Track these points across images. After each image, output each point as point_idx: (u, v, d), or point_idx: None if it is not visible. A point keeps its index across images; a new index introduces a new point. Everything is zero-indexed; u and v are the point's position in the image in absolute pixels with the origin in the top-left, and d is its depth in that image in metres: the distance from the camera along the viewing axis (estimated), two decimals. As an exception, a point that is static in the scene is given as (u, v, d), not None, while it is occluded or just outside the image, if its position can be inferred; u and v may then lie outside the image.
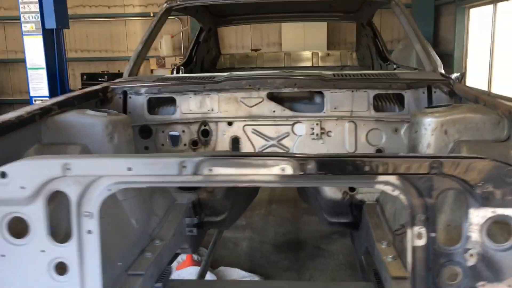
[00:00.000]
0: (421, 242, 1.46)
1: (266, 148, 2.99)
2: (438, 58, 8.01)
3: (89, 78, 9.31)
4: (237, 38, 11.17)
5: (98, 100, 2.91)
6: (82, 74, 10.14)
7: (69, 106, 2.47)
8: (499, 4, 7.24)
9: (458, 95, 2.71)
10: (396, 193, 1.46)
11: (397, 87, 2.84)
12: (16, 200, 1.54)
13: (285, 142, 2.97)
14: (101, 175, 1.52)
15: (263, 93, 2.93)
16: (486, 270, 1.44)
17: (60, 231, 1.64)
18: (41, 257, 1.57)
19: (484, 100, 2.32)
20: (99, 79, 9.24)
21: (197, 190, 3.00)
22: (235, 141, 2.99)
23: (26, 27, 4.94)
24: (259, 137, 2.97)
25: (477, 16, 8.29)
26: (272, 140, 2.97)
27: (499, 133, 2.09)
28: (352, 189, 2.91)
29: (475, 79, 8.22)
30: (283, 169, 1.46)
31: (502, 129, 2.09)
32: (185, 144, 3.01)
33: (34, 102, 5.18)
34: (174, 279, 2.55)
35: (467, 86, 2.86)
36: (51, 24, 5.00)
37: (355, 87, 2.86)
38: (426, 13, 10.10)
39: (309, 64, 6.62)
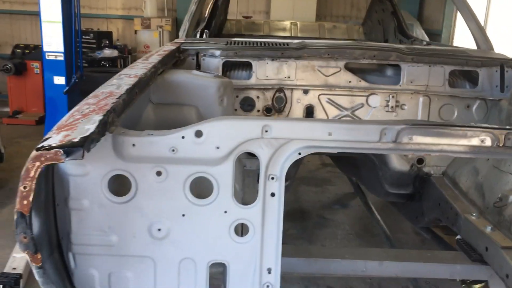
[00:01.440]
0: None
1: (340, 118, 3.01)
2: (426, 36, 8.09)
3: (73, 35, 8.83)
4: (222, 4, 10.92)
5: (175, 62, 2.82)
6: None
7: (168, 67, 2.39)
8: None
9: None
10: None
11: (473, 64, 2.93)
12: (207, 160, 1.50)
13: (359, 113, 3.01)
14: (295, 138, 1.50)
15: (341, 63, 2.94)
16: None
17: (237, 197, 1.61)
18: (223, 218, 1.55)
19: None
20: (83, 36, 8.79)
21: None
22: (309, 110, 2.99)
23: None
24: (333, 107, 2.99)
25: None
26: (346, 110, 3.00)
27: None
28: (420, 161, 3.00)
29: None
30: (482, 141, 1.50)
31: None
32: (258, 110, 2.98)
33: (47, 57, 4.92)
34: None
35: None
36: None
37: (432, 62, 2.92)
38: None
39: (316, 35, 6.62)
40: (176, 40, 3.14)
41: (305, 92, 2.97)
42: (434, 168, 3.00)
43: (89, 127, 1.32)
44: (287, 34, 6.63)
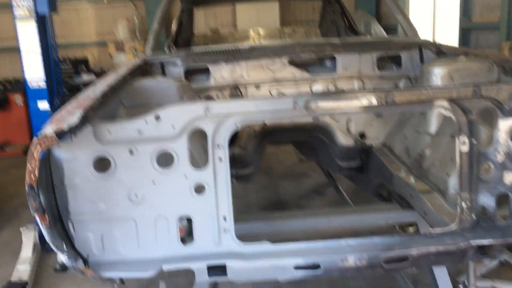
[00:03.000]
0: (466, 147, 2.06)
1: None
2: (384, 32, 8.71)
3: (50, 65, 9.27)
4: (190, 21, 11.46)
5: (141, 72, 3.30)
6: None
7: (131, 77, 2.87)
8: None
9: (445, 52, 3.36)
10: (447, 113, 2.05)
11: (395, 49, 3.46)
12: (166, 137, 1.98)
13: None
14: (232, 113, 1.99)
15: (285, 60, 3.44)
16: (510, 164, 2.07)
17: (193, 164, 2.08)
18: (184, 181, 2.02)
19: (473, 53, 2.98)
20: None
21: (231, 146, 3.48)
22: None
23: (18, 12, 5.10)
24: None
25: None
26: None
27: (492, 77, 2.74)
28: (362, 136, 3.51)
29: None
30: (369, 101, 2.00)
31: (494, 73, 2.75)
32: None
33: (30, 86, 5.35)
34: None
35: (450, 46, 3.53)
36: (43, 8, 5.19)
37: (362, 51, 3.44)
38: (368, -9, 10.95)
39: (279, 40, 7.14)
40: (143, 56, 3.63)
41: (257, 87, 3.47)
42: (374, 141, 3.51)
43: (73, 119, 1.81)
44: (251, 42, 7.13)
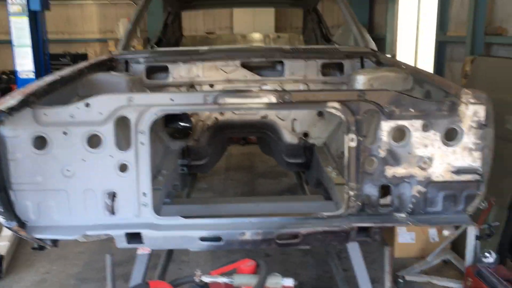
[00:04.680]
0: (353, 144, 2.40)
1: None
2: (372, 41, 9.09)
3: (51, 58, 9.70)
4: (190, 23, 11.87)
5: (106, 68, 3.66)
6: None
7: (92, 70, 3.24)
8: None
9: (382, 63, 3.69)
10: (338, 113, 2.39)
11: (338, 57, 3.79)
12: (95, 122, 2.34)
13: None
14: (152, 104, 2.34)
15: (237, 62, 3.79)
16: (391, 159, 2.40)
17: (120, 145, 2.43)
18: (110, 160, 2.38)
19: (397, 65, 3.32)
20: (61, 59, 9.71)
21: (186, 138, 3.84)
22: None
23: (13, 8, 5.53)
24: None
25: (406, 4, 9.48)
26: None
27: (407, 85, 3.07)
28: (305, 135, 3.85)
29: (404, 59, 9.43)
30: (269, 99, 2.34)
31: (409, 82, 3.08)
32: None
33: (20, 76, 5.77)
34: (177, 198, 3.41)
35: (388, 56, 3.86)
36: (35, 5, 5.61)
37: (308, 57, 3.78)
38: (362, 1, 11.25)
39: (262, 45, 7.48)
40: (112, 52, 3.99)
41: (211, 86, 3.82)
42: (317, 140, 3.85)
43: (12, 101, 2.18)
44: (237, 45, 7.47)
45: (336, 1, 4.52)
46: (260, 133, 4.03)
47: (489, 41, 5.64)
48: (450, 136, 2.39)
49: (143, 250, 2.86)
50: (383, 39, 10.10)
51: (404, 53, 9.52)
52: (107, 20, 11.96)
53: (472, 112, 2.34)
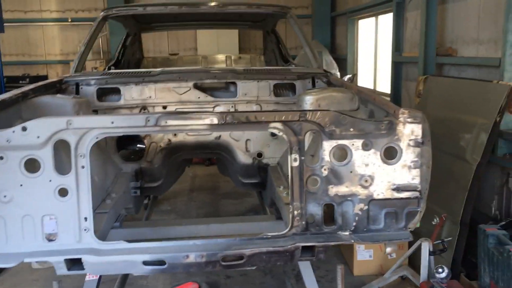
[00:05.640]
0: (296, 163, 2.42)
1: None
2: (334, 61, 9.30)
3: (10, 81, 9.55)
4: (154, 44, 11.86)
5: (55, 90, 3.61)
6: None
7: (38, 93, 3.19)
8: (380, 17, 8.69)
9: (333, 83, 3.76)
10: (280, 133, 2.41)
11: (290, 78, 3.85)
12: (33, 146, 2.29)
13: None
14: (92, 127, 2.32)
15: (190, 84, 3.80)
16: (333, 178, 2.44)
17: (59, 169, 2.38)
18: (49, 185, 2.33)
19: (345, 85, 3.39)
20: (20, 81, 9.53)
21: (139, 160, 3.80)
22: None
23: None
24: None
25: (365, 26, 9.74)
26: None
27: (353, 105, 3.14)
28: (259, 155, 3.87)
29: (364, 79, 9.65)
30: (211, 120, 2.35)
31: (355, 102, 3.15)
32: None
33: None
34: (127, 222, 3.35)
35: (337, 77, 3.96)
36: (-12, 28, 5.50)
37: (260, 78, 3.82)
38: (323, 23, 11.49)
39: (223, 66, 7.55)
40: (63, 75, 3.95)
41: (164, 107, 3.81)
42: (270, 159, 3.87)
43: None
44: (198, 66, 7.51)
45: (290, 23, 4.60)
46: (214, 154, 4.03)
47: (441, 61, 5.82)
48: (390, 155, 2.44)
49: (90, 276, 2.79)
50: (344, 59, 10.30)
51: (364, 73, 9.74)
52: (68, 42, 11.83)
53: (409, 130, 2.40)
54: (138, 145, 3.98)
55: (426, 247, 3.84)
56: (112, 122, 2.31)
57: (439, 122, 4.92)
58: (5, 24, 11.29)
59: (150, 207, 5.35)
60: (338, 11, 11.10)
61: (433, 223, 4.33)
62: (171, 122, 2.34)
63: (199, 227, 3.09)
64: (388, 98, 7.70)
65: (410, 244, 4.16)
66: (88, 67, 10.69)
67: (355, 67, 10.13)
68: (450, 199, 4.41)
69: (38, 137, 2.28)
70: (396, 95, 7.34)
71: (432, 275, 3.78)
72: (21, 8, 11.62)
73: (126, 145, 3.97)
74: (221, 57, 7.75)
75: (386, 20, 8.22)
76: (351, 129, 2.39)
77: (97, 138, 2.34)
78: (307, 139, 2.51)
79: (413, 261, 4.40)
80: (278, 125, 2.39)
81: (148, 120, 2.32)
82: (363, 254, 4.58)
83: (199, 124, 2.35)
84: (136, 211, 3.85)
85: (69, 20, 11.65)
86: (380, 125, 2.39)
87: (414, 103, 6.01)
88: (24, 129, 2.28)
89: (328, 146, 2.40)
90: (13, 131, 2.27)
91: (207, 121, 2.35)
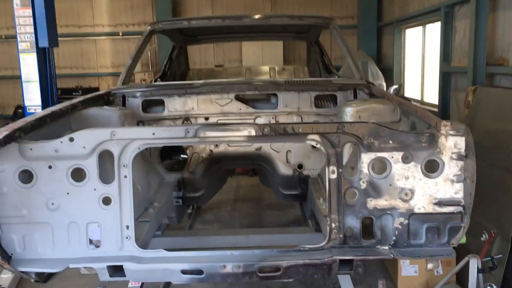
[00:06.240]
0: (334, 176, 2.40)
1: None
2: (379, 72, 9.18)
3: (64, 93, 10.01)
4: (201, 55, 12.11)
5: (103, 102, 3.75)
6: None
7: (88, 105, 3.32)
8: (427, 26, 8.51)
9: (375, 94, 3.71)
10: (318, 146, 2.40)
11: (331, 89, 3.83)
12: (79, 156, 2.39)
13: None
14: (134, 138, 2.39)
15: (232, 95, 3.85)
16: (372, 191, 2.40)
17: (103, 179, 2.47)
18: (94, 193, 2.42)
19: (386, 97, 3.34)
20: (74, 93, 9.96)
21: (182, 170, 3.88)
22: None
23: (22, 45, 5.73)
24: None
25: (412, 36, 9.56)
26: None
27: (395, 117, 3.08)
28: (300, 166, 3.86)
29: (411, 89, 9.45)
30: (249, 132, 2.37)
31: (396, 114, 3.09)
32: None
33: (28, 111, 5.92)
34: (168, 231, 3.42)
35: (380, 89, 3.90)
36: (44, 43, 5.80)
37: (301, 90, 3.82)
38: (369, 33, 11.37)
39: (267, 77, 7.59)
40: (111, 87, 4.10)
41: (206, 119, 3.88)
42: (311, 171, 3.85)
43: None
44: (242, 77, 7.60)
45: (333, 34, 4.58)
46: (255, 164, 4.05)
47: (491, 71, 5.62)
48: (431, 168, 2.38)
49: (133, 283, 2.86)
50: (391, 69, 10.14)
51: (411, 83, 9.54)
52: (119, 55, 12.27)
53: (452, 143, 2.33)
54: (181, 156, 4.06)
55: (474, 264, 3.70)
56: (153, 134, 2.38)
57: (489, 134, 4.75)
58: (60, 38, 11.87)
59: (193, 216, 5.43)
60: (385, 21, 10.95)
61: (482, 239, 4.16)
62: (209, 133, 2.38)
63: (238, 238, 3.11)
64: (436, 109, 7.51)
65: (458, 261, 4.02)
66: (138, 79, 11.04)
67: (402, 77, 9.94)
68: (501, 214, 4.23)
69: (84, 147, 2.38)
70: (444, 106, 7.15)
71: (482, 293, 3.64)
72: (76, 23, 12.19)
73: (170, 155, 4.05)
74: (265, 68, 7.80)
75: (434, 29, 8.03)
76: (390, 142, 2.35)
77: (139, 148, 2.41)
78: (346, 151, 2.48)
79: (462, 279, 4.24)
80: (316, 137, 2.39)
81: (188, 132, 2.37)
82: (408, 270, 4.46)
83: (237, 136, 2.38)
84: (178, 220, 3.92)
85: (120, 34, 12.10)
86: (421, 137, 2.34)
87: (463, 114, 5.83)
88: (71, 139, 2.38)
89: (366, 158, 2.37)
90: (61, 142, 2.38)
91: (245, 132, 2.37)
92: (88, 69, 12.37)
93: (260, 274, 2.39)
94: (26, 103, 5.86)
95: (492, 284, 3.62)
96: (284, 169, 3.85)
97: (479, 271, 3.68)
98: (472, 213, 4.74)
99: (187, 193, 3.93)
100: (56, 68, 11.91)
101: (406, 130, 2.81)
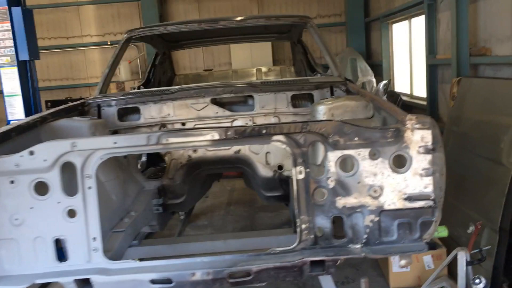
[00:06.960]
0: (301, 176, 2.36)
1: None
2: (369, 68, 9.17)
3: (54, 105, 9.94)
4: (190, 60, 12.08)
5: (78, 112, 3.72)
6: (46, 102, 10.79)
7: (58, 116, 3.28)
8: (413, 20, 8.47)
9: (351, 91, 3.67)
10: (283, 146, 2.36)
11: (308, 88, 3.78)
12: (41, 169, 2.35)
13: None
14: (96, 148, 2.35)
15: (208, 99, 3.81)
16: (340, 189, 2.35)
17: (67, 191, 2.43)
18: (58, 206, 2.37)
19: (360, 93, 3.30)
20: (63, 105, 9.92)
21: (161, 177, 3.83)
22: None
23: (2, 60, 5.69)
24: None
25: (399, 30, 9.51)
26: None
27: (368, 113, 3.04)
28: (280, 167, 3.81)
29: (401, 84, 9.40)
30: (213, 136, 2.33)
31: (369, 110, 3.05)
32: None
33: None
34: (146, 239, 3.37)
35: (356, 85, 3.86)
36: (24, 56, 5.76)
37: (277, 90, 3.78)
38: (358, 30, 11.33)
39: (254, 79, 7.55)
40: (86, 97, 4.06)
41: (183, 124, 3.84)
42: (292, 172, 3.79)
43: None
44: (228, 80, 7.56)
45: (310, 33, 4.53)
46: (235, 168, 4.01)
47: (475, 62, 5.58)
48: (400, 163, 2.34)
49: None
50: (380, 65, 10.10)
51: (401, 78, 9.49)
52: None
53: (418, 137, 2.29)
54: (160, 163, 4.02)
55: (462, 256, 3.65)
56: (115, 143, 2.34)
57: (476, 125, 4.70)
58: (49, 50, 11.91)
59: (184, 222, 5.39)
60: (372, 16, 10.92)
61: (468, 231, 4.11)
62: (172, 139, 2.34)
63: (216, 243, 3.07)
64: (425, 103, 7.46)
65: (449, 254, 3.98)
66: (127, 88, 11.01)
67: (391, 72, 9.90)
68: (489, 206, 4.18)
69: (45, 160, 2.34)
70: (432, 99, 7.10)
71: (470, 286, 3.58)
72: (63, 35, 12.17)
73: (156, 163, 4.01)
74: (251, 70, 7.77)
75: (419, 23, 8.00)
76: (356, 138, 2.30)
77: (101, 158, 2.37)
78: (317, 150, 2.43)
79: (453, 271, 4.19)
80: (281, 137, 2.35)
81: (150, 139, 2.33)
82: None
83: (200, 141, 2.34)
84: (160, 228, 3.87)
85: (109, 43, 12.07)
86: (386, 133, 2.30)
87: (448, 106, 5.79)
88: (31, 153, 2.34)
89: (333, 156, 2.32)
90: (21, 156, 2.34)
91: (208, 137, 2.33)
92: (78, 80, 12.34)
93: (231, 280, 2.35)
94: (9, 117, 5.81)
95: (480, 276, 3.57)
96: (264, 171, 3.80)
97: (467, 263, 3.64)
98: (460, 205, 4.67)
99: (168, 200, 3.88)
100: (46, 80, 11.94)
101: (377, 126, 2.77)
